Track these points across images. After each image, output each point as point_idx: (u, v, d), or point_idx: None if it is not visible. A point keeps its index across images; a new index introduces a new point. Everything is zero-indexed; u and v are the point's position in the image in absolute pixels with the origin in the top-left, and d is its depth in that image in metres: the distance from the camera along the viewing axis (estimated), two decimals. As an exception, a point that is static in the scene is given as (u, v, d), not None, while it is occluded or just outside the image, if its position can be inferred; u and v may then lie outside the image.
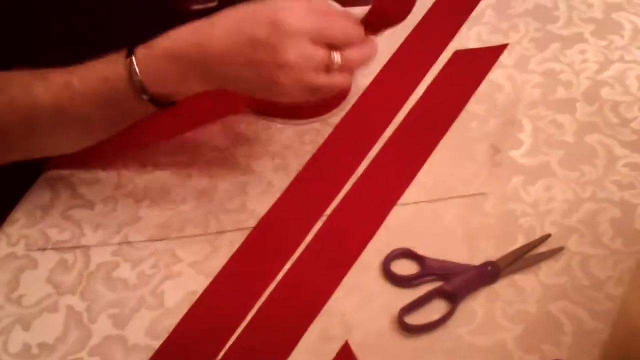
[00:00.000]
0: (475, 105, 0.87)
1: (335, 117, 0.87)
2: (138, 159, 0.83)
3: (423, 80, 0.90)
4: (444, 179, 0.80)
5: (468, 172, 0.80)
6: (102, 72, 0.68)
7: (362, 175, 0.81)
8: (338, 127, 0.86)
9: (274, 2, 0.65)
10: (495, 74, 0.90)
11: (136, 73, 0.67)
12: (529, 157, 0.81)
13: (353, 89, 0.89)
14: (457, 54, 0.93)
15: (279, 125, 0.86)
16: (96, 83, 0.68)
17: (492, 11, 0.98)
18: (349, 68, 0.68)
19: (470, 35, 0.95)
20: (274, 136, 0.85)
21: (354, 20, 0.69)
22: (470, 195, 0.78)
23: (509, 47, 0.93)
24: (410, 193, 0.79)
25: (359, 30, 0.68)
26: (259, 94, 0.70)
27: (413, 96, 0.89)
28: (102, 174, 0.82)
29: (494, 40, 0.94)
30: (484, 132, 0.84)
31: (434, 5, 1.00)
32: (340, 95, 0.88)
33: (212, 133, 0.85)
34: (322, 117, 0.87)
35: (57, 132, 0.72)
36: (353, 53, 0.67)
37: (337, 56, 0.66)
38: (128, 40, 0.93)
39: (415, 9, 0.99)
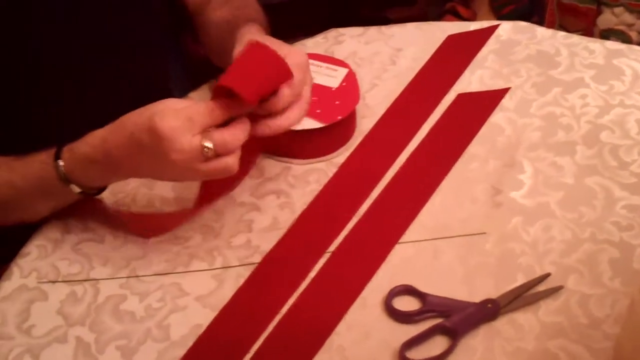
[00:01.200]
0: (476, 147, 0.89)
1: (340, 157, 0.89)
2: (147, 197, 0.86)
3: (426, 122, 0.93)
4: (445, 218, 0.82)
5: (469, 212, 0.82)
6: (38, 171, 0.77)
7: (365, 214, 0.82)
8: (342, 167, 0.88)
9: (152, 107, 0.71)
10: (497, 117, 0.92)
11: (64, 175, 0.75)
12: (529, 198, 0.83)
13: (358, 129, 0.91)
14: (460, 97, 0.96)
15: (284, 165, 0.88)
16: (35, 181, 0.77)
17: (494, 56, 1.01)
18: (226, 152, 0.71)
19: (473, 79, 0.98)
20: (279, 175, 0.87)
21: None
22: (470, 235, 0.80)
23: (510, 91, 0.95)
24: (412, 232, 0.81)
25: (224, 112, 0.71)
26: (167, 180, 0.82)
27: (416, 137, 0.91)
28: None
29: (496, 85, 0.97)
30: (485, 173, 0.86)
31: (439, 49, 1.03)
32: (345, 136, 0.90)
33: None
34: (327, 157, 0.89)
35: (10, 216, 0.82)
36: (225, 137, 0.71)
37: (208, 144, 0.70)
38: (147, 79, 0.97)
39: (420, 52, 1.02)
